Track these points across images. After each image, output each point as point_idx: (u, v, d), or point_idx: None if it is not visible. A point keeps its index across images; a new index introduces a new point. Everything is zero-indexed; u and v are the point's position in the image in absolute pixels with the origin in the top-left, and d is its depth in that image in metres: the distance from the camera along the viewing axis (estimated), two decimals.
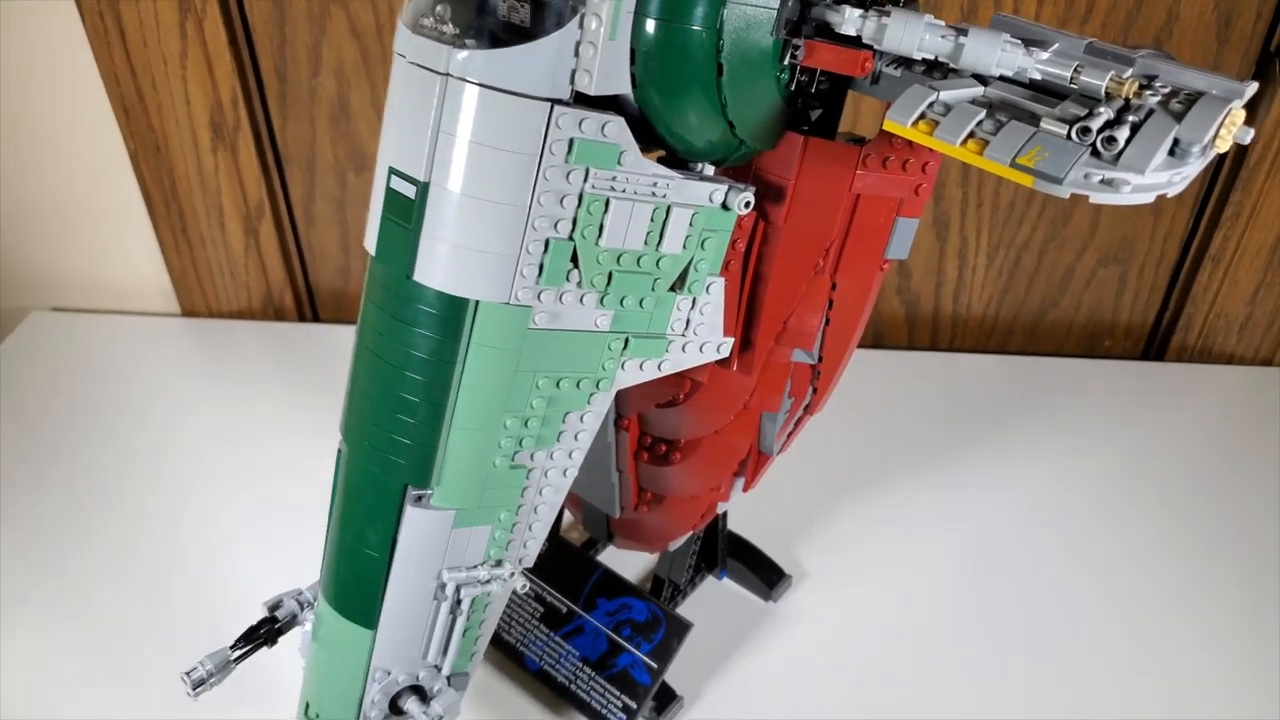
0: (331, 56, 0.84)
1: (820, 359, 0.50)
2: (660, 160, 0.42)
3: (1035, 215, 0.88)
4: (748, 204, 0.43)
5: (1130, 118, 0.37)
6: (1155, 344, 0.95)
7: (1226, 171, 0.84)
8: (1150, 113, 0.37)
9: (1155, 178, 0.36)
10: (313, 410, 0.87)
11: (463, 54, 0.37)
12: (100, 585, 0.72)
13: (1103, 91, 0.38)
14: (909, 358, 0.95)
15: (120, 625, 0.69)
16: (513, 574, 0.47)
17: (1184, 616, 0.70)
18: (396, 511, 0.44)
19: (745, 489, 0.57)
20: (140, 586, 0.72)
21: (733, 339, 0.47)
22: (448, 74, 0.38)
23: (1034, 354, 0.96)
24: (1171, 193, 0.37)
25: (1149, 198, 0.36)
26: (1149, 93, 0.38)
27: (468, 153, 0.38)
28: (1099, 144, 0.36)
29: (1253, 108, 0.81)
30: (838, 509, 0.78)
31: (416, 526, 0.44)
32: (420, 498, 0.44)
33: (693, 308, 0.45)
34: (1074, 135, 0.36)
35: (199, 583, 0.72)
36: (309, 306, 1.01)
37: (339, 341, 0.97)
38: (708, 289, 0.45)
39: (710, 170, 0.43)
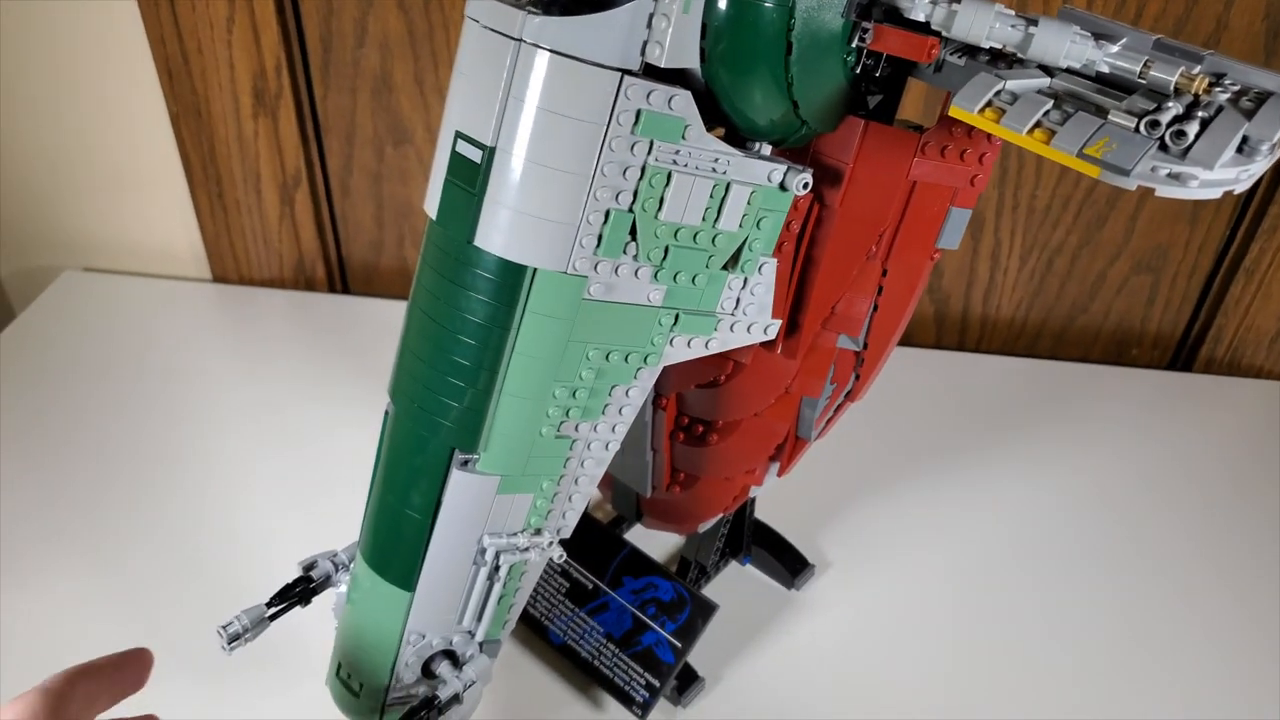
0: (377, 29, 0.85)
1: (865, 345, 0.51)
2: (721, 137, 0.42)
3: (1071, 219, 0.88)
4: (805, 185, 0.43)
5: (1200, 114, 0.37)
6: (1183, 354, 0.95)
7: (1266, 182, 0.83)
8: (1220, 109, 0.37)
9: (1223, 174, 0.36)
10: (341, 381, 0.87)
11: (537, 19, 0.38)
12: (129, 546, 0.72)
13: (1172, 86, 0.38)
14: (936, 356, 0.96)
15: (151, 586, 0.69)
16: (551, 543, 0.47)
17: (1201, 623, 0.70)
18: (442, 475, 0.44)
19: (780, 474, 0.57)
20: (169, 548, 0.72)
21: (780, 321, 0.47)
22: (521, 39, 0.38)
23: (1060, 359, 0.96)
24: (1239, 189, 0.37)
25: (1216, 193, 0.36)
26: (1218, 89, 0.38)
27: (535, 118, 0.39)
28: (1168, 138, 0.36)
29: None
30: (862, 502, 0.78)
31: (461, 490, 0.44)
32: (466, 462, 0.44)
33: (744, 287, 0.45)
34: (1142, 128, 0.36)
35: (227, 545, 0.72)
36: (340, 278, 1.01)
37: (369, 314, 0.98)
38: (760, 269, 0.45)
39: (769, 150, 0.43)
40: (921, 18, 0.40)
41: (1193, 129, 0.36)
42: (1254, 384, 0.93)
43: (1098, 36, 0.41)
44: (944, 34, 0.40)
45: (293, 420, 0.84)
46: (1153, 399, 0.91)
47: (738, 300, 0.45)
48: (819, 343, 0.50)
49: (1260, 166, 0.37)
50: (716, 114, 0.41)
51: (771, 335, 0.47)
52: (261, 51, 0.85)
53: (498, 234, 0.40)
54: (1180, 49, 0.40)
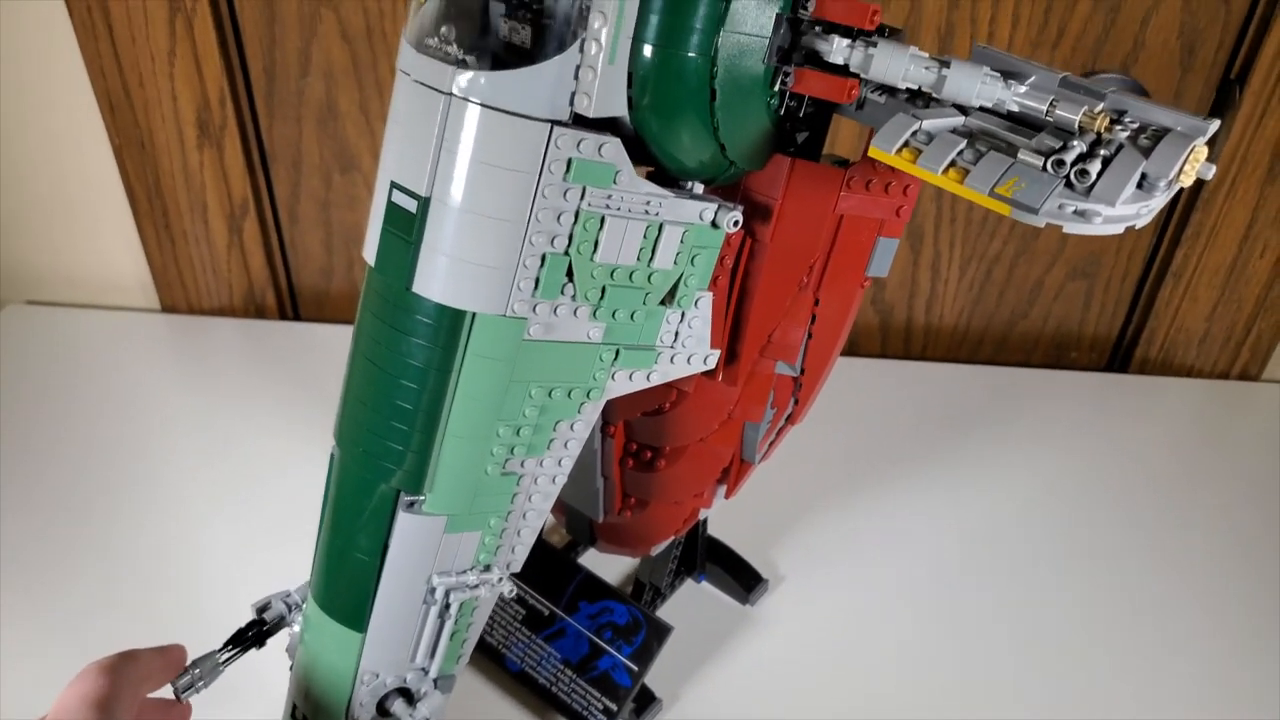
0: (321, 59, 0.85)
1: (803, 371, 0.52)
2: (650, 176, 0.43)
3: (1006, 230, 0.91)
4: (736, 223, 0.44)
5: (1102, 152, 0.39)
6: (1119, 356, 0.98)
7: (1188, 193, 0.87)
8: (1120, 147, 0.39)
9: (1124, 210, 0.38)
10: (293, 409, 0.87)
11: (466, 75, 0.39)
12: (77, 584, 0.72)
13: (1076, 125, 0.40)
14: (882, 366, 0.98)
15: (100, 626, 0.69)
16: (501, 579, 0.48)
17: (1153, 618, 0.72)
18: (389, 517, 0.45)
19: (727, 496, 0.58)
20: (119, 585, 0.72)
21: (719, 351, 0.49)
22: (451, 93, 0.39)
23: (1003, 364, 0.99)
24: (1139, 224, 0.39)
25: (1119, 229, 0.38)
26: (1119, 128, 0.40)
27: (469, 170, 0.40)
28: (1073, 176, 0.38)
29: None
30: (813, 513, 0.80)
31: (408, 532, 0.45)
32: (412, 504, 0.45)
33: (681, 321, 0.46)
34: (1049, 167, 0.38)
35: (180, 582, 0.72)
36: (290, 305, 1.01)
37: (320, 341, 0.98)
38: (696, 303, 0.46)
39: (700, 189, 0.45)
40: (840, 61, 0.42)
41: (1095, 167, 0.38)
42: (1186, 382, 0.96)
43: (1008, 75, 0.43)
44: (862, 76, 0.42)
45: (246, 452, 0.84)
46: (1092, 400, 0.94)
47: (676, 333, 0.47)
48: (758, 370, 0.52)
49: (1159, 201, 0.39)
50: (646, 156, 0.42)
51: (711, 365, 0.48)
52: (204, 82, 0.85)
53: (435, 281, 0.41)
54: (1085, 87, 0.42)
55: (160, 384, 0.92)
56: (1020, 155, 0.39)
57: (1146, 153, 0.39)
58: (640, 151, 0.42)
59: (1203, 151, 0.39)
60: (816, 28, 0.42)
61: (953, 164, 0.40)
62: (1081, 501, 0.82)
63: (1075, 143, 0.39)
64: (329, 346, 0.96)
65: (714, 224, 0.44)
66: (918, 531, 0.79)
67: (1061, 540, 0.79)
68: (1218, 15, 0.79)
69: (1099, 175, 0.38)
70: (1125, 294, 0.94)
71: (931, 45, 0.81)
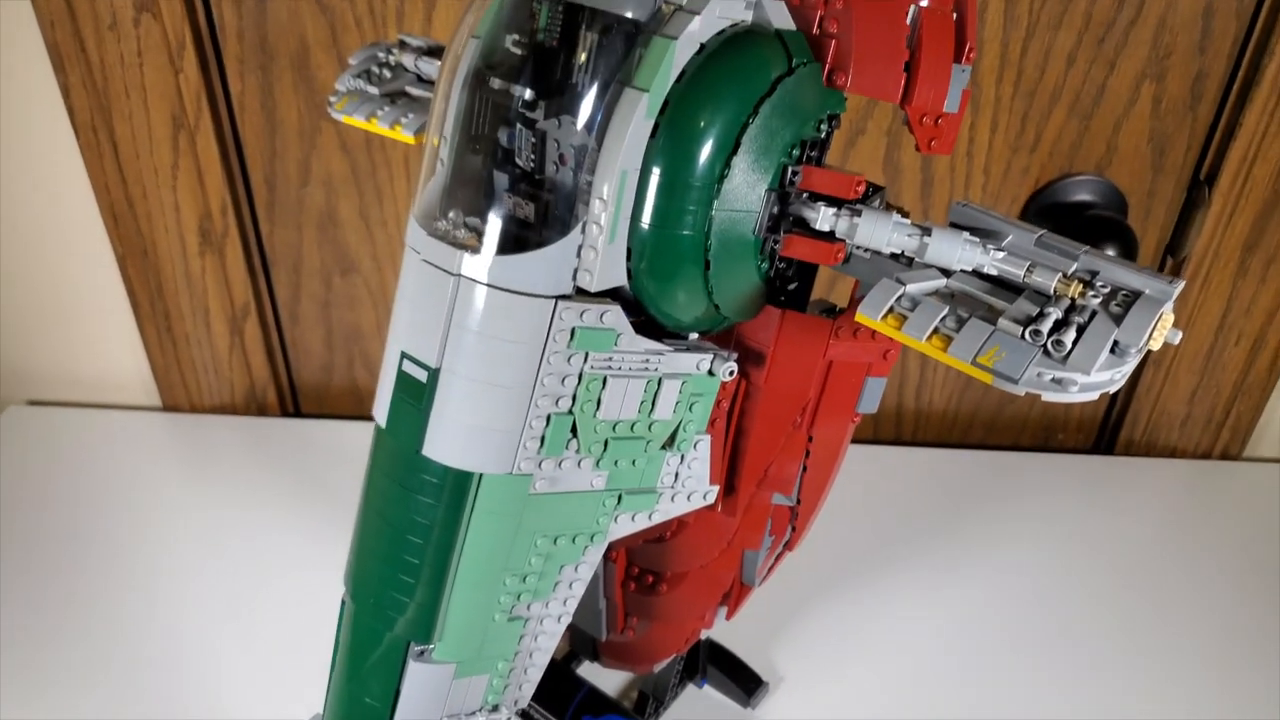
0: (321, 169, 0.87)
1: (798, 501, 0.54)
2: (644, 325, 0.44)
3: None
4: (731, 372, 0.46)
5: (1076, 319, 0.41)
6: (1105, 437, 1.00)
7: None
8: (1094, 314, 0.41)
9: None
10: (295, 505, 0.88)
11: (475, 258, 0.41)
12: (75, 689, 0.72)
13: (1051, 290, 0.42)
14: (875, 451, 1.00)
15: None
16: (509, 718, 0.50)
17: (1148, 698, 0.74)
18: (399, 665, 0.46)
19: (728, 617, 0.60)
20: (116, 692, 0.72)
21: (718, 486, 0.50)
22: (460, 275, 0.41)
23: (993, 447, 1.01)
24: (1113, 389, 0.41)
25: (1094, 395, 0.40)
26: (1091, 293, 0.42)
27: (478, 344, 0.42)
28: (1049, 346, 0.40)
29: (1185, 227, 0.87)
30: (810, 609, 0.81)
31: (419, 679, 0.46)
32: (422, 652, 0.46)
33: (681, 463, 0.48)
34: (1027, 336, 0.40)
35: (176, 689, 0.73)
36: (292, 401, 1.03)
37: (322, 436, 0.99)
38: (695, 446, 0.48)
39: (695, 336, 0.47)
40: (827, 228, 0.44)
41: (1069, 337, 0.40)
42: (1169, 463, 0.98)
43: (987, 235, 0.45)
44: (848, 242, 0.44)
45: (251, 550, 0.85)
46: (1082, 483, 0.96)
47: (676, 474, 0.48)
48: (755, 501, 0.54)
49: (1131, 365, 0.41)
50: (644, 313, 0.44)
51: (710, 500, 0.50)
52: (207, 194, 0.87)
53: (444, 444, 0.43)
54: (1059, 247, 0.44)
55: (163, 483, 0.93)
56: (1000, 323, 0.41)
57: (1118, 320, 0.41)
58: (638, 308, 0.44)
59: (1170, 318, 0.41)
60: (804, 195, 0.44)
61: (936, 331, 0.42)
62: (1076, 586, 0.84)
63: (1051, 310, 0.41)
64: (330, 442, 0.98)
65: (710, 372, 0.46)
66: (915, 623, 0.80)
67: (1060, 627, 0.80)
68: (1185, 121, 0.82)
69: (1074, 345, 0.40)
70: None
71: (912, 156, 0.84)
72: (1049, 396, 0.40)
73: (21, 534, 0.86)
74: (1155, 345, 0.42)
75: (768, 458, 0.52)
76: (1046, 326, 0.40)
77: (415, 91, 0.61)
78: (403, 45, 0.63)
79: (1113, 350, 0.40)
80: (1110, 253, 0.80)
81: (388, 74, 0.61)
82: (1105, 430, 1.00)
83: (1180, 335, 0.42)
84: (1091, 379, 0.40)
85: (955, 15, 0.44)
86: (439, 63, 0.60)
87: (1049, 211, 0.86)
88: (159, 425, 1.00)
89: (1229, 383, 0.94)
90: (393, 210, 0.90)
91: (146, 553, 0.85)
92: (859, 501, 0.92)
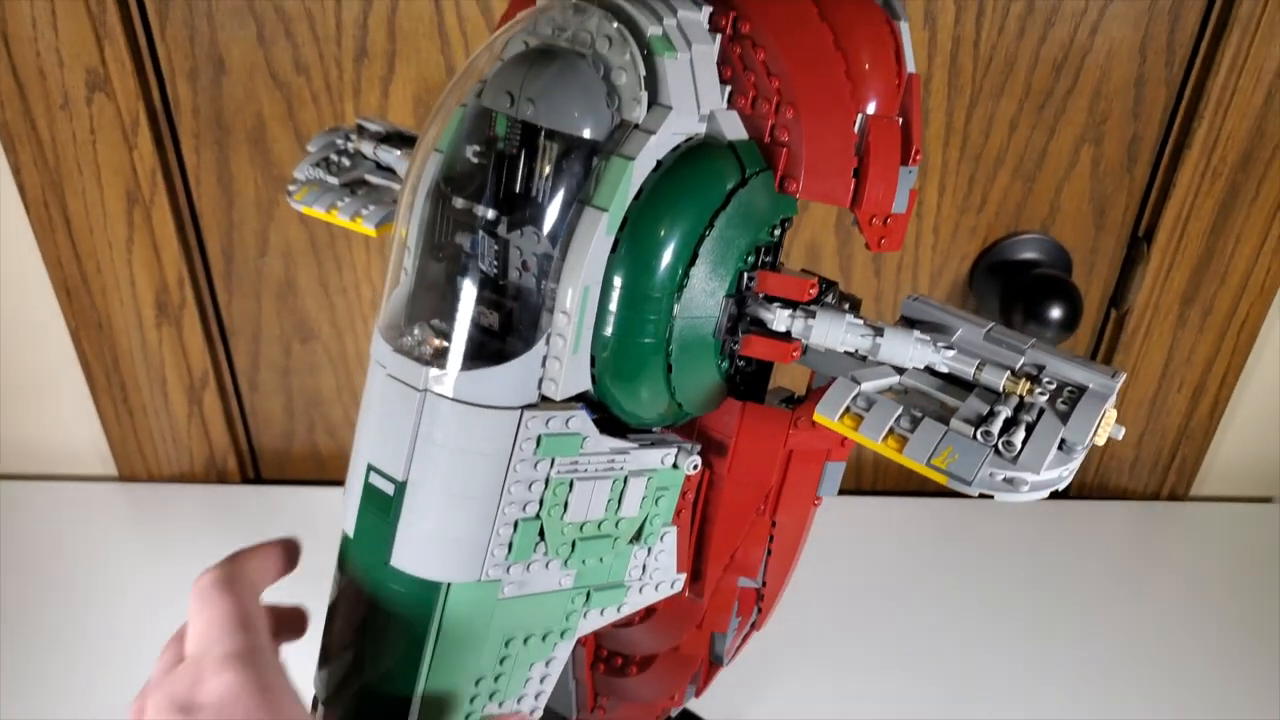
0: (279, 239, 0.87)
1: (764, 584, 0.55)
2: (605, 422, 0.45)
3: None
4: (695, 465, 0.48)
5: (1025, 418, 0.42)
6: None
7: (1109, 336, 0.93)
8: (1041, 412, 0.43)
9: (1048, 475, 0.41)
10: None
11: (440, 374, 0.41)
12: None
13: (1000, 388, 0.44)
14: (834, 502, 1.01)
15: None
16: None
17: None
18: None
19: (697, 694, 0.60)
20: None
21: (685, 574, 0.51)
22: (426, 390, 0.42)
23: (950, 495, 1.03)
24: (1061, 485, 0.43)
25: (1044, 493, 0.42)
26: (1039, 389, 0.43)
27: (445, 457, 0.42)
28: (1000, 446, 0.42)
29: (1127, 281, 0.90)
30: (779, 667, 0.82)
31: None
32: None
33: (649, 555, 0.49)
34: (979, 436, 0.42)
35: None
36: (253, 467, 1.02)
37: (283, 502, 0.98)
38: (662, 538, 0.49)
39: (658, 429, 0.48)
40: (782, 329, 0.45)
41: (1019, 438, 0.41)
42: (1120, 505, 1.01)
43: (938, 329, 0.47)
44: (804, 341, 0.46)
45: None
46: (1039, 525, 0.98)
47: (644, 566, 0.49)
48: (721, 585, 0.54)
49: (1077, 461, 0.42)
50: (607, 410, 0.45)
51: (678, 589, 0.51)
52: (163, 267, 0.87)
53: (412, 555, 0.44)
54: (1007, 341, 0.46)
55: (121, 555, 0.92)
56: (952, 423, 0.43)
57: (1064, 417, 0.42)
58: (600, 405, 0.45)
59: (1112, 415, 0.43)
60: (760, 297, 0.46)
61: (891, 431, 0.43)
62: (1036, 626, 0.86)
63: (1001, 408, 0.43)
64: (292, 507, 0.97)
65: (675, 465, 0.47)
66: (880, 676, 0.81)
67: (1022, 667, 0.82)
68: (1123, 182, 0.85)
69: (1023, 444, 0.42)
70: None
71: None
72: (1002, 497, 0.42)
73: None
74: (1100, 440, 0.43)
75: (733, 544, 0.53)
76: (997, 426, 0.42)
77: (375, 180, 0.61)
78: (361, 131, 0.64)
79: (1060, 448, 0.42)
80: (1056, 313, 0.83)
81: (346, 162, 0.62)
82: None
83: (1123, 431, 0.44)
84: (1041, 478, 0.41)
85: (901, 119, 0.46)
86: (397, 152, 0.61)
87: (997, 269, 0.89)
88: (117, 495, 0.99)
89: (1174, 427, 0.97)
90: (351, 278, 0.90)
91: (106, 624, 0.83)
92: (823, 553, 0.93)
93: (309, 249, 0.88)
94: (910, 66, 0.46)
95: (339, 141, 0.63)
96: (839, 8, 0.43)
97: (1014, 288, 0.87)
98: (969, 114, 0.83)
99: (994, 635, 0.85)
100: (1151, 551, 0.97)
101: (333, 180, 0.60)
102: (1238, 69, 0.79)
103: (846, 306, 0.47)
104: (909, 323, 0.47)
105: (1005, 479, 0.41)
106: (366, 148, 0.62)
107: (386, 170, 0.62)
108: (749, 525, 0.52)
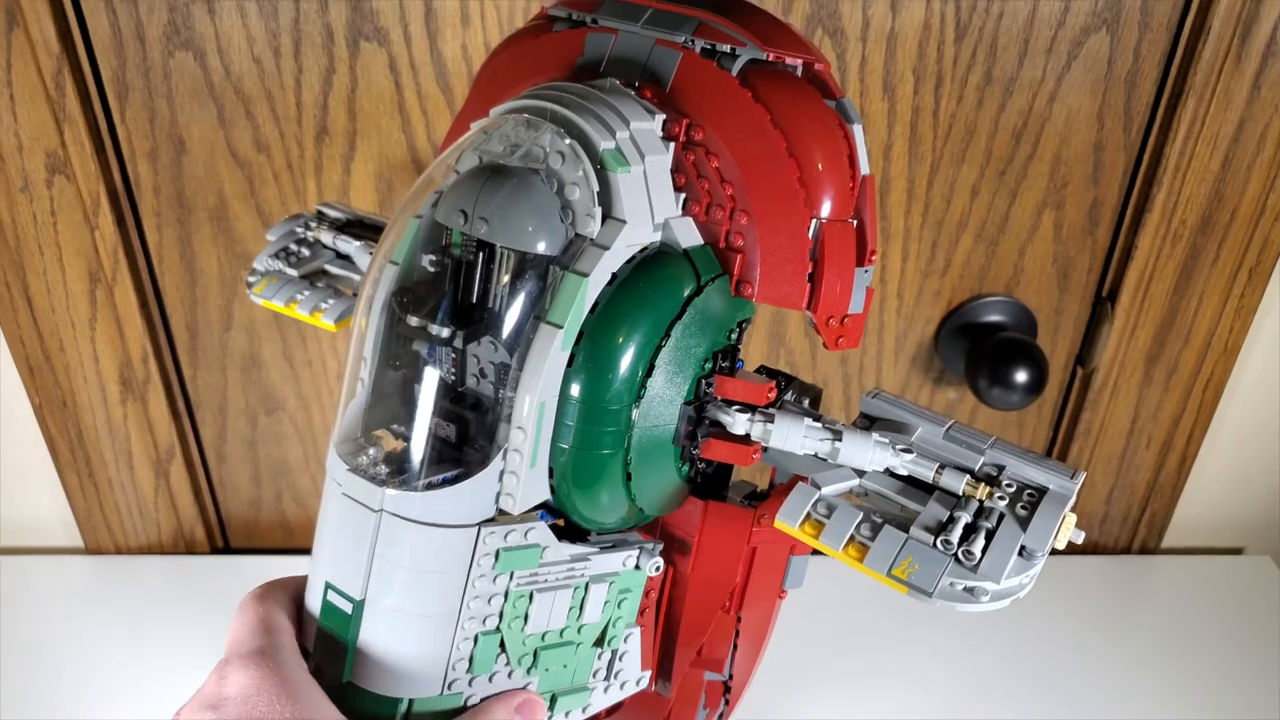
0: (243, 314, 0.87)
1: (731, 676, 0.55)
2: (566, 528, 0.45)
3: None
4: (658, 567, 0.47)
5: (984, 524, 0.42)
6: None
7: (1076, 395, 0.93)
8: (1001, 518, 0.43)
9: (1009, 583, 0.41)
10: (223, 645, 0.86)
11: (396, 494, 0.41)
12: None
13: (960, 491, 0.44)
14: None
15: None
16: None
17: None
18: None
19: None
20: None
21: (650, 671, 0.51)
22: (382, 510, 0.41)
23: None
24: (1023, 594, 0.43)
25: (1005, 603, 0.42)
26: (998, 493, 0.44)
27: (402, 576, 0.42)
28: (960, 554, 0.42)
29: (1091, 341, 0.91)
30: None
31: None
32: None
33: (613, 657, 0.49)
34: (939, 545, 0.42)
35: None
36: (221, 537, 1.00)
37: (251, 572, 0.95)
38: (626, 639, 0.48)
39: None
40: (742, 433, 0.45)
41: (979, 547, 0.42)
42: (1091, 559, 1.01)
43: (898, 427, 0.47)
44: (763, 444, 0.46)
45: (181, 693, 0.82)
46: None
47: (609, 668, 0.49)
48: (688, 679, 0.54)
49: (1038, 568, 0.43)
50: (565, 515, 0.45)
51: (644, 686, 0.51)
52: (126, 344, 0.86)
53: (371, 673, 0.43)
54: (966, 440, 0.46)
55: (87, 630, 0.90)
56: (912, 532, 0.42)
57: (1024, 523, 0.42)
58: (559, 511, 0.45)
59: (1072, 520, 0.43)
60: (719, 400, 0.46)
61: (852, 539, 0.43)
62: (1011, 679, 0.86)
63: (960, 514, 0.43)
64: (261, 577, 0.94)
65: (637, 567, 0.47)
66: None
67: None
68: (1085, 244, 0.86)
69: (983, 553, 0.42)
70: None
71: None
72: (961, 608, 0.41)
73: None
74: (1060, 544, 0.43)
75: (698, 640, 0.52)
76: (956, 535, 0.42)
77: (334, 269, 0.61)
78: (320, 218, 0.64)
79: (1020, 554, 0.42)
80: (1022, 377, 0.83)
81: (306, 251, 0.62)
82: None
83: (1082, 535, 0.44)
84: (1001, 587, 0.41)
85: (855, 221, 0.46)
86: (357, 242, 0.60)
87: (962, 331, 0.89)
88: (83, 568, 0.97)
89: (1143, 482, 0.97)
90: (316, 350, 0.89)
91: (75, 694, 0.82)
92: (804, 612, 0.93)
93: (273, 323, 0.87)
94: (864, 169, 0.46)
95: (299, 230, 0.63)
96: (792, 114, 0.43)
97: (979, 351, 0.87)
98: (930, 180, 0.83)
99: (966, 688, 0.85)
100: (1125, 603, 0.97)
101: (292, 272, 0.60)
102: (1194, 135, 0.80)
103: (807, 402, 0.48)
104: (868, 420, 0.48)
105: (965, 589, 0.41)
106: (326, 236, 0.62)
107: (345, 259, 0.61)
108: (713, 622, 0.52)
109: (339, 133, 0.79)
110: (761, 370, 0.49)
